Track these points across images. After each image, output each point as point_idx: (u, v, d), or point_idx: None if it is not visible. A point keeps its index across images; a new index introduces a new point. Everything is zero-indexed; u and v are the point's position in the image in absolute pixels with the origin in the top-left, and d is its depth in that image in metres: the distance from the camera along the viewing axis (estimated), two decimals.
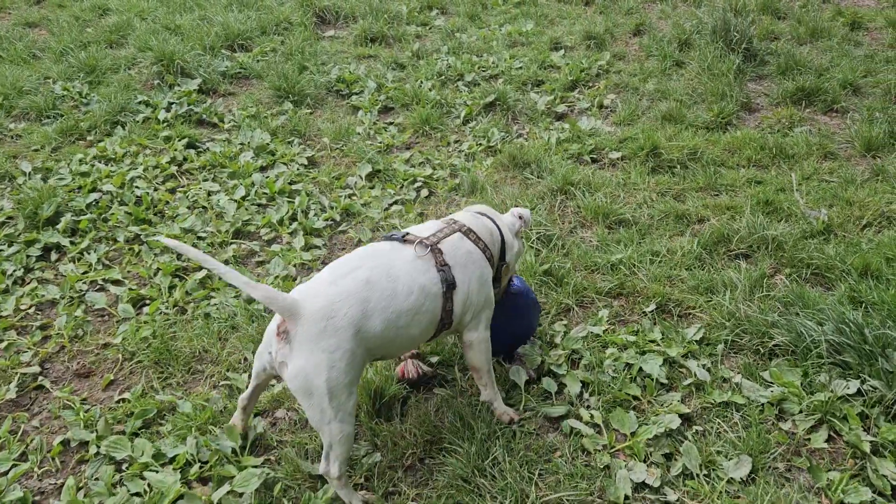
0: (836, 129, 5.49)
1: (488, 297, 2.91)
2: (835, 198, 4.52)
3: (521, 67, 6.77)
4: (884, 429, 2.85)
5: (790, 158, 5.07)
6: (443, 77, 6.66)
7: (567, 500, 2.69)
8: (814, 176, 4.83)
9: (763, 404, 3.08)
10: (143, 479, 2.82)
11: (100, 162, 5.13)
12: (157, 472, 2.84)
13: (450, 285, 2.71)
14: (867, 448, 2.79)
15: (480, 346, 2.90)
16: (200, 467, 2.87)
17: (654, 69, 6.58)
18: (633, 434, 2.96)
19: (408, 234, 2.81)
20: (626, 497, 2.71)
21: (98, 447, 2.97)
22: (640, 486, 2.77)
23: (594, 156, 5.28)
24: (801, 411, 3.02)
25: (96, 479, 2.84)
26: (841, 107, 5.74)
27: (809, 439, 2.92)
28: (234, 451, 2.93)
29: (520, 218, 3.21)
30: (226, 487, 2.74)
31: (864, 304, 3.47)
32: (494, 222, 3.07)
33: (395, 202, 4.78)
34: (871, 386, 3.00)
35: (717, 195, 4.69)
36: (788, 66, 6.33)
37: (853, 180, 4.71)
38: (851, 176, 4.76)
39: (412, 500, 2.76)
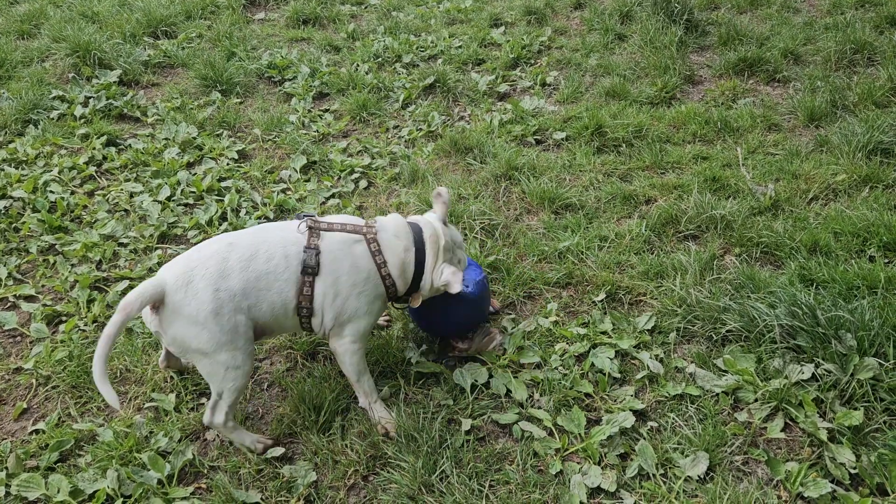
0: (779, 99, 5.43)
1: (359, 310, 2.77)
2: (781, 171, 4.45)
3: (460, 46, 6.55)
4: (839, 414, 2.77)
5: (735, 132, 4.99)
6: (380, 59, 6.39)
7: None
8: (759, 149, 4.76)
9: (718, 394, 2.98)
10: None
11: (9, 165, 4.73)
12: None
13: (308, 268, 2.66)
14: (824, 436, 2.71)
15: (345, 357, 2.82)
16: (123, 502, 2.63)
17: (596, 44, 6.42)
18: (586, 435, 2.82)
19: (311, 215, 2.81)
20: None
21: (8, 487, 2.69)
22: (595, 491, 2.64)
23: (538, 137, 5.11)
24: (756, 400, 2.93)
25: None
26: (783, 76, 5.68)
27: (766, 429, 2.83)
28: (160, 481, 2.70)
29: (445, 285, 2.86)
30: None
31: (814, 284, 3.39)
32: (423, 257, 2.85)
33: (333, 195, 4.53)
34: (825, 370, 2.92)
35: (663, 174, 4.58)
36: (730, 37, 6.25)
37: (798, 152, 4.64)
38: (796, 148, 4.69)
39: None
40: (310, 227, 2.73)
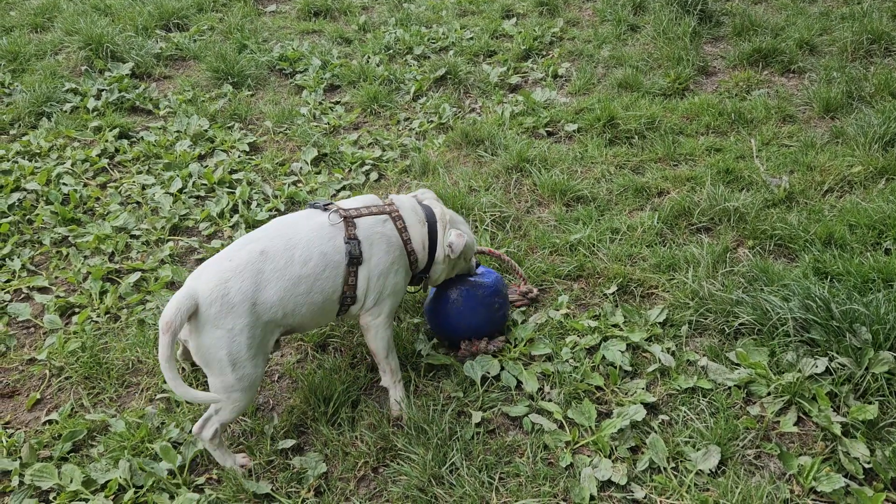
0: (794, 90, 5.37)
1: (396, 286, 2.86)
2: (795, 163, 4.40)
3: (472, 38, 6.52)
4: (854, 408, 2.74)
5: (749, 123, 4.94)
6: (391, 51, 6.37)
7: None
8: (773, 141, 4.71)
9: (730, 388, 2.95)
10: None
11: (23, 158, 4.77)
12: (87, 500, 2.62)
13: (354, 258, 2.68)
14: (838, 430, 2.68)
15: (379, 331, 2.86)
16: (135, 492, 2.64)
17: (608, 35, 6.38)
18: (597, 428, 2.81)
19: (330, 203, 2.82)
20: (592, 497, 2.57)
21: (22, 476, 2.72)
22: (605, 485, 2.62)
23: (550, 129, 5.08)
24: (769, 393, 2.90)
25: None
26: (798, 67, 5.62)
27: (779, 423, 2.80)
28: (171, 472, 2.71)
29: (449, 246, 2.97)
30: None
31: (829, 277, 3.36)
32: (435, 233, 2.96)
33: (343, 187, 4.53)
34: (839, 364, 2.89)
35: (676, 165, 4.54)
36: (744, 27, 6.18)
37: (813, 144, 4.59)
38: (811, 139, 4.64)
39: None
40: (344, 218, 2.73)
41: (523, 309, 3.48)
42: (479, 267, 3.32)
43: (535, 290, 3.51)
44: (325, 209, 2.78)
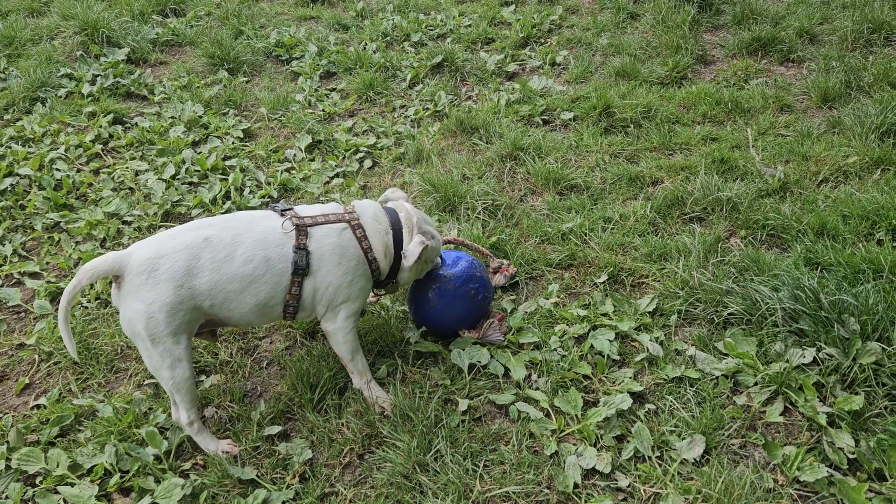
0: (793, 80, 5.33)
1: (350, 294, 2.78)
2: (791, 153, 4.37)
3: (470, 25, 6.49)
4: (840, 399, 2.74)
5: (746, 113, 4.91)
6: (388, 38, 6.34)
7: (513, 494, 2.54)
8: (770, 130, 4.68)
9: (717, 377, 2.95)
10: (58, 493, 2.60)
11: (17, 143, 4.77)
12: (73, 485, 2.62)
13: (299, 269, 2.63)
14: (823, 420, 2.68)
15: (338, 335, 2.81)
16: (121, 477, 2.65)
17: (607, 22, 6.33)
18: (583, 416, 2.81)
19: (290, 209, 2.76)
20: (576, 485, 2.57)
21: (8, 460, 2.73)
22: (589, 473, 2.62)
23: (545, 117, 5.06)
24: (756, 383, 2.89)
25: (5, 496, 2.61)
26: (797, 56, 5.58)
27: (765, 412, 2.80)
28: (157, 457, 2.72)
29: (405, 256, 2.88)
30: (147, 499, 2.54)
31: (819, 267, 3.34)
32: (401, 240, 2.87)
33: (337, 175, 4.52)
34: (827, 354, 2.88)
35: (671, 155, 4.52)
36: (745, 16, 6.14)
37: (809, 134, 4.56)
38: (808, 129, 4.61)
39: (349, 502, 2.58)
40: (297, 226, 2.67)
41: (514, 297, 3.47)
42: (443, 260, 3.23)
43: (507, 264, 3.51)
44: (283, 214, 2.72)
